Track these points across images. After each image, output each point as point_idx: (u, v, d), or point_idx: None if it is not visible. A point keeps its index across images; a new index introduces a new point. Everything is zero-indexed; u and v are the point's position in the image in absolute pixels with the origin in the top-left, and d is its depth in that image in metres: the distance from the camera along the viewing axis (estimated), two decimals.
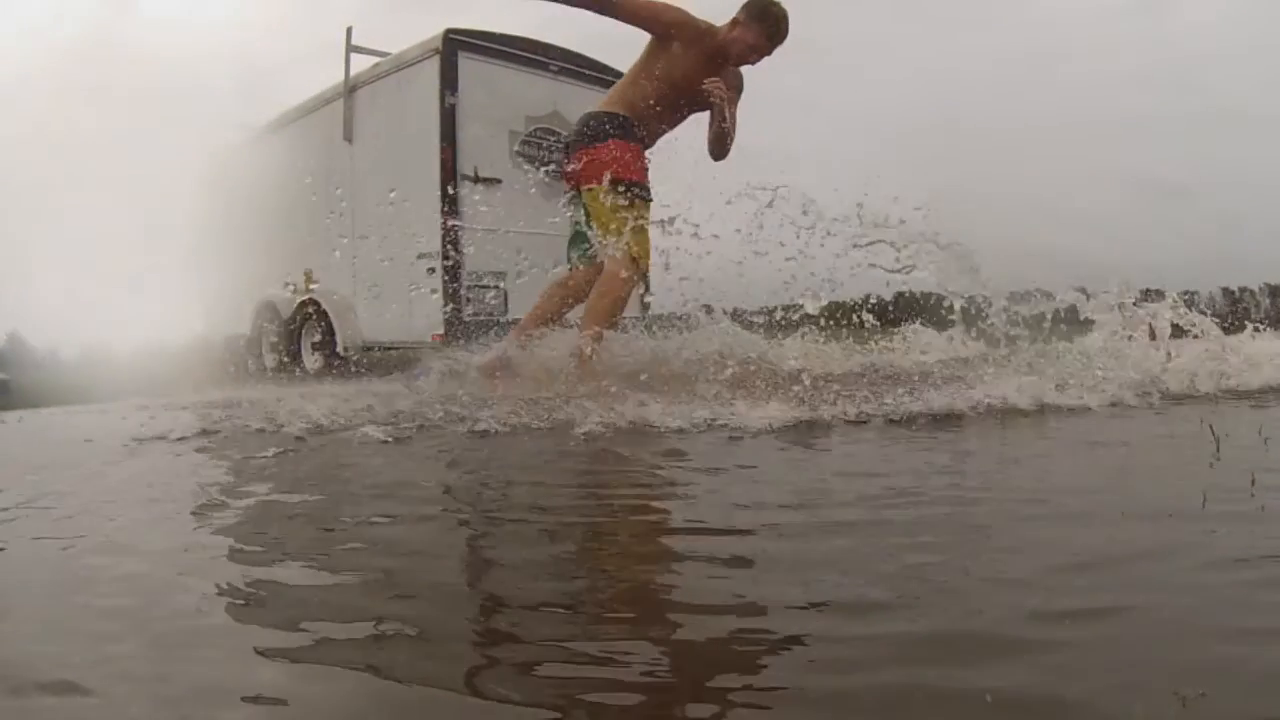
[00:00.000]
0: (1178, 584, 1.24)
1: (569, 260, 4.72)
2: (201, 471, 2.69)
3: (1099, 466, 2.34)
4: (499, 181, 7.42)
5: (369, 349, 7.90)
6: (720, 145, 4.52)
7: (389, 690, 0.98)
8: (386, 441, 2.95)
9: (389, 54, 8.10)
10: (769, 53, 4.43)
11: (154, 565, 1.57)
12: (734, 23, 4.37)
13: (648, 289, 6.51)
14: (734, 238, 4.24)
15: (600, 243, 4.34)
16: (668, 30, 4.36)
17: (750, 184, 4.24)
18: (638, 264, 4.39)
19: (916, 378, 3.70)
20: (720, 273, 4.33)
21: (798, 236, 4.21)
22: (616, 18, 4.38)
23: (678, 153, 4.74)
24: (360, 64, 8.23)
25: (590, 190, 4.41)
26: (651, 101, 4.42)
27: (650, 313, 6.66)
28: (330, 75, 8.52)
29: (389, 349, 7.80)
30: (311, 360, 8.33)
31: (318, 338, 8.15)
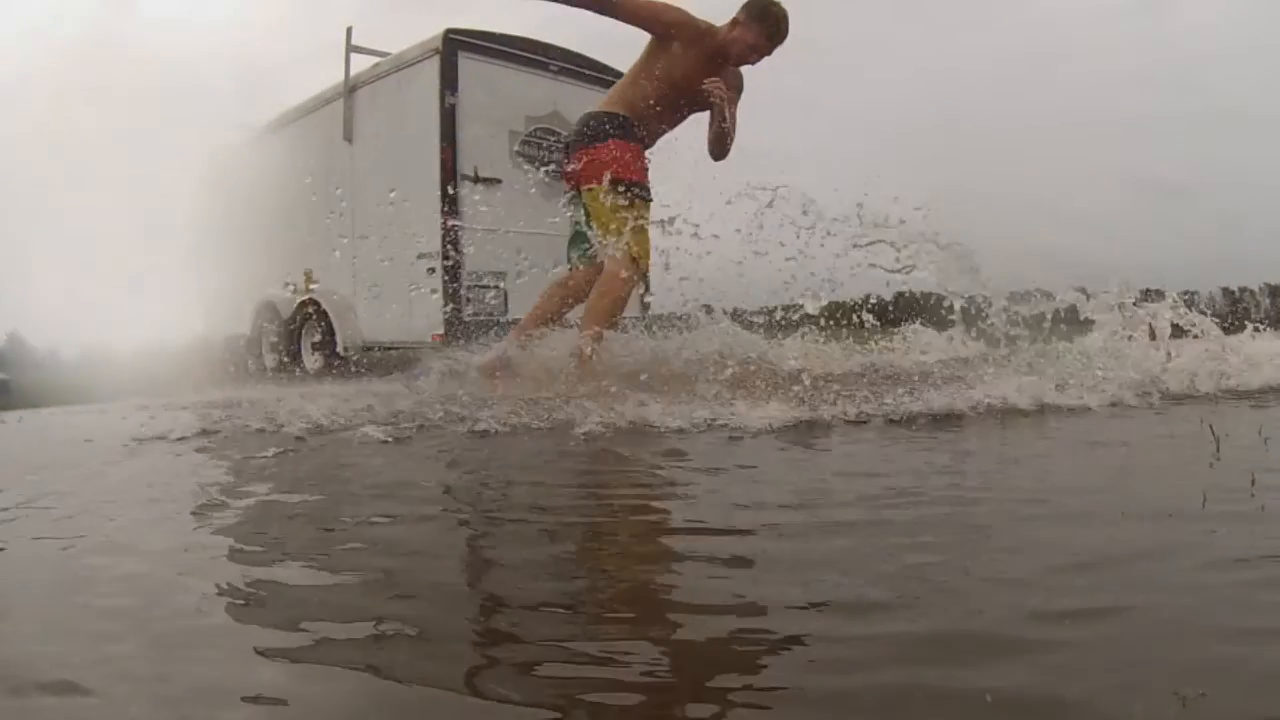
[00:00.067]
0: (1178, 584, 1.24)
1: (569, 260, 4.72)
2: (201, 471, 2.69)
3: (1099, 466, 2.34)
4: (499, 181, 7.42)
5: (369, 349, 7.90)
6: (720, 145, 4.52)
7: (389, 690, 0.98)
8: (386, 441, 2.95)
9: (389, 54, 8.10)
10: (769, 53, 4.43)
11: (154, 565, 1.57)
12: (734, 23, 4.36)
13: (648, 289, 6.51)
14: (734, 238, 4.23)
15: (600, 243, 4.33)
16: (668, 30, 4.36)
17: (750, 184, 4.24)
18: (638, 264, 4.39)
19: (916, 378, 3.70)
20: (720, 273, 4.33)
21: (798, 236, 4.21)
22: (616, 18, 4.38)
23: (678, 153, 4.74)
24: (360, 64, 8.23)
25: (590, 190, 4.41)
26: (651, 101, 4.42)
27: (650, 313, 6.66)
28: (330, 75, 8.53)
29: (389, 349, 7.80)
30: (311, 360, 8.33)
31: (318, 338, 8.15)
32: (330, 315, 8.04)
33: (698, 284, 4.42)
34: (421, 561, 1.55)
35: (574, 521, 1.88)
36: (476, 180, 7.32)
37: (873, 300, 4.57)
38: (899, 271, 4.23)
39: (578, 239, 4.60)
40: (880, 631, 1.09)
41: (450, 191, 7.13)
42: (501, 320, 6.97)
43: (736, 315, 4.45)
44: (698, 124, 4.62)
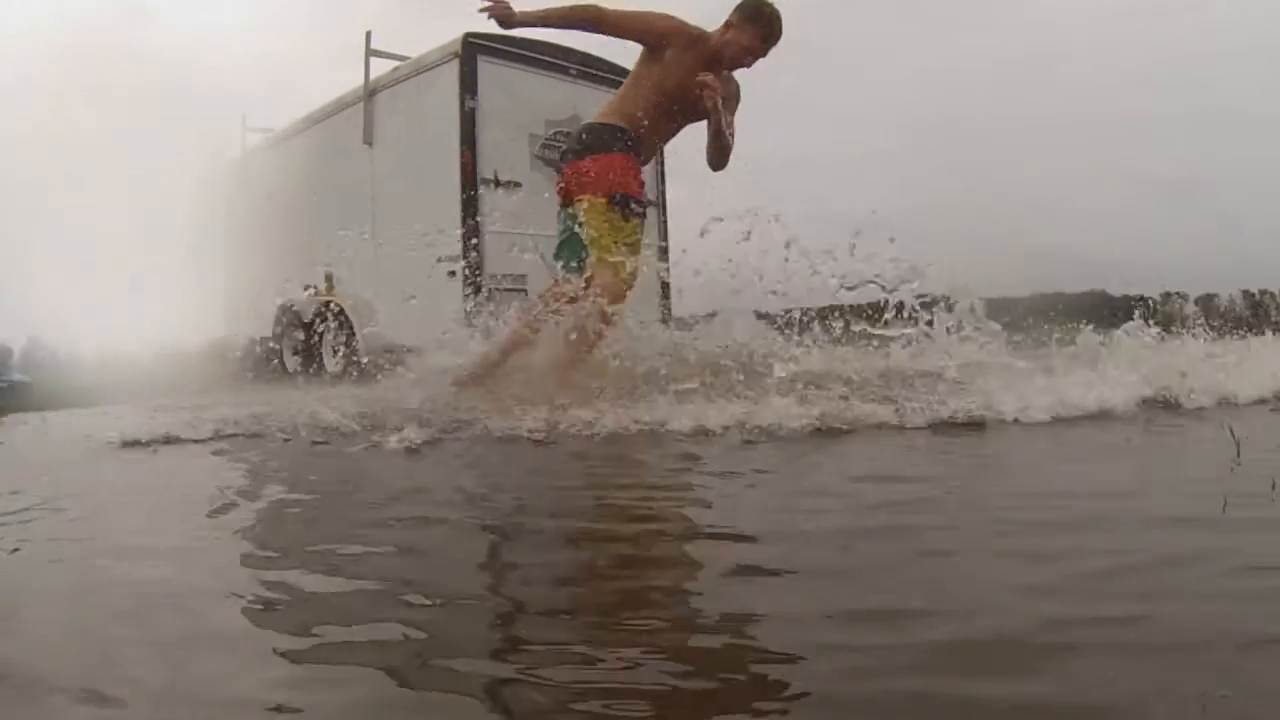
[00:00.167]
0: (1200, 591, 1.22)
1: (556, 259, 4.63)
2: (219, 474, 2.71)
3: (1119, 472, 2.32)
4: (519, 185, 7.43)
5: (389, 351, 7.92)
6: (720, 154, 4.47)
7: (408, 698, 0.97)
8: (409, 447, 2.95)
9: (408, 58, 8.13)
10: (764, 54, 4.38)
11: (170, 569, 1.57)
12: (727, 25, 4.32)
13: (667, 295, 6.50)
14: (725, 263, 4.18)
15: (590, 258, 4.29)
16: (660, 39, 4.32)
17: (731, 211, 4.21)
18: (626, 283, 4.29)
19: (935, 381, 3.67)
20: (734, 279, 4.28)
21: (784, 266, 4.16)
22: (607, 33, 4.40)
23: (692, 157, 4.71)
24: (380, 68, 8.27)
25: (584, 203, 4.35)
26: (647, 111, 4.37)
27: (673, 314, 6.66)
28: (349, 79, 8.58)
29: (410, 352, 7.82)
30: (332, 362, 8.36)
31: (338, 340, 8.18)
32: (350, 318, 8.06)
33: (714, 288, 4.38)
34: (437, 567, 1.55)
35: (591, 527, 1.88)
36: (497, 184, 7.34)
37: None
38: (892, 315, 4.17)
39: (566, 247, 4.50)
40: (901, 639, 1.08)
41: (470, 194, 7.15)
42: None
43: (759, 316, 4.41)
44: (700, 131, 4.58)
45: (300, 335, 8.80)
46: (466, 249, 7.01)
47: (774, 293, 4.19)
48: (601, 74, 7.94)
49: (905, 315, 4.04)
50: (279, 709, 0.95)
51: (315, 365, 8.56)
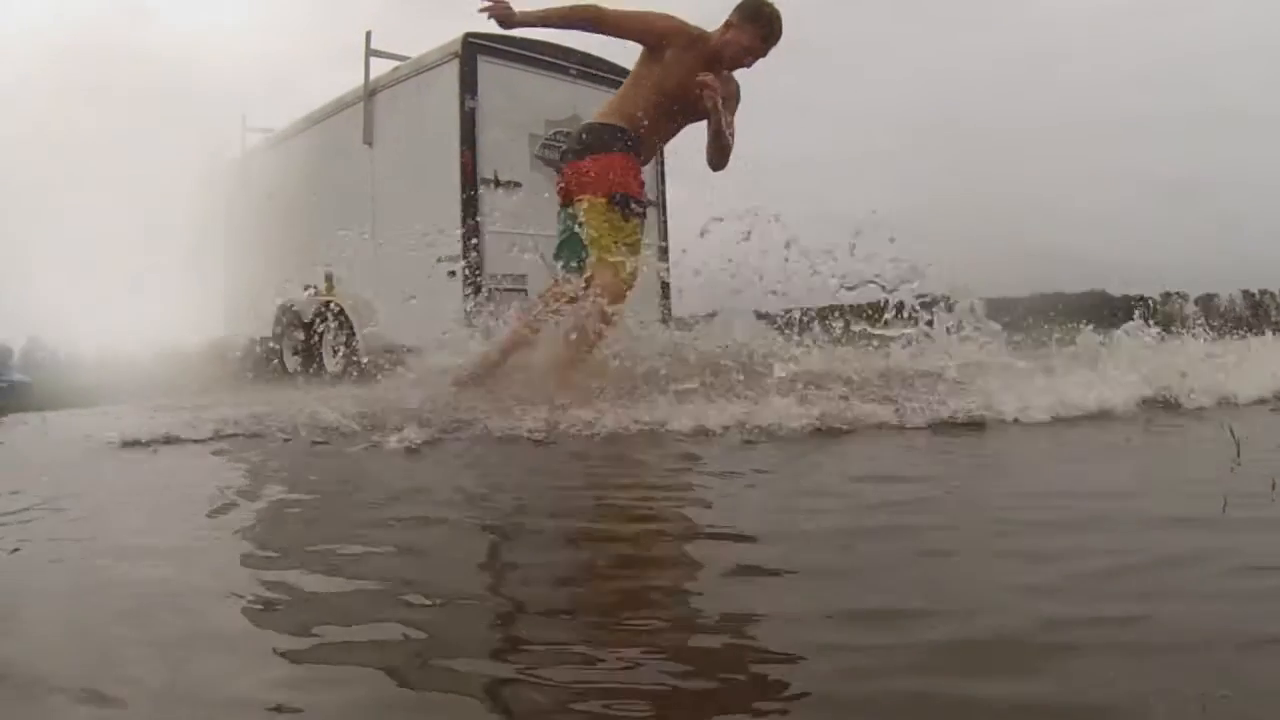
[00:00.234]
0: (1200, 591, 1.22)
1: (555, 259, 4.60)
2: (219, 474, 2.71)
3: (1119, 471, 2.32)
4: (519, 185, 7.43)
5: (389, 351, 7.92)
6: (720, 154, 4.45)
7: (408, 698, 0.97)
8: (409, 447, 2.95)
9: (408, 58, 8.13)
10: (764, 54, 4.37)
11: (170, 569, 1.57)
12: (727, 26, 4.31)
13: (667, 295, 6.49)
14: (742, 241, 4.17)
15: (590, 258, 4.28)
16: (659, 39, 4.32)
17: (732, 211, 4.21)
18: (626, 283, 4.29)
19: (935, 381, 3.67)
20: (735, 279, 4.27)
21: (784, 266, 4.16)
22: (607, 33, 4.41)
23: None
24: (379, 68, 8.26)
25: (584, 203, 4.35)
26: (647, 111, 4.36)
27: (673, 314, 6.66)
28: (349, 79, 8.58)
29: (410, 352, 7.81)
30: (332, 362, 8.35)
31: (338, 340, 8.18)
32: (350, 317, 8.06)
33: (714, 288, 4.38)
34: (437, 567, 1.55)
35: (591, 527, 1.88)
36: (497, 184, 7.34)
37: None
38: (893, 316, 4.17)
39: (566, 247, 4.49)
40: (901, 639, 1.08)
41: (470, 194, 7.16)
42: None
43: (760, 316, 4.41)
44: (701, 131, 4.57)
45: (300, 335, 8.80)
46: (466, 249, 7.01)
47: (774, 293, 4.19)
48: (601, 74, 7.94)
49: (905, 315, 4.04)
50: (279, 709, 0.95)
51: (315, 365, 8.56)
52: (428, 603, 1.30)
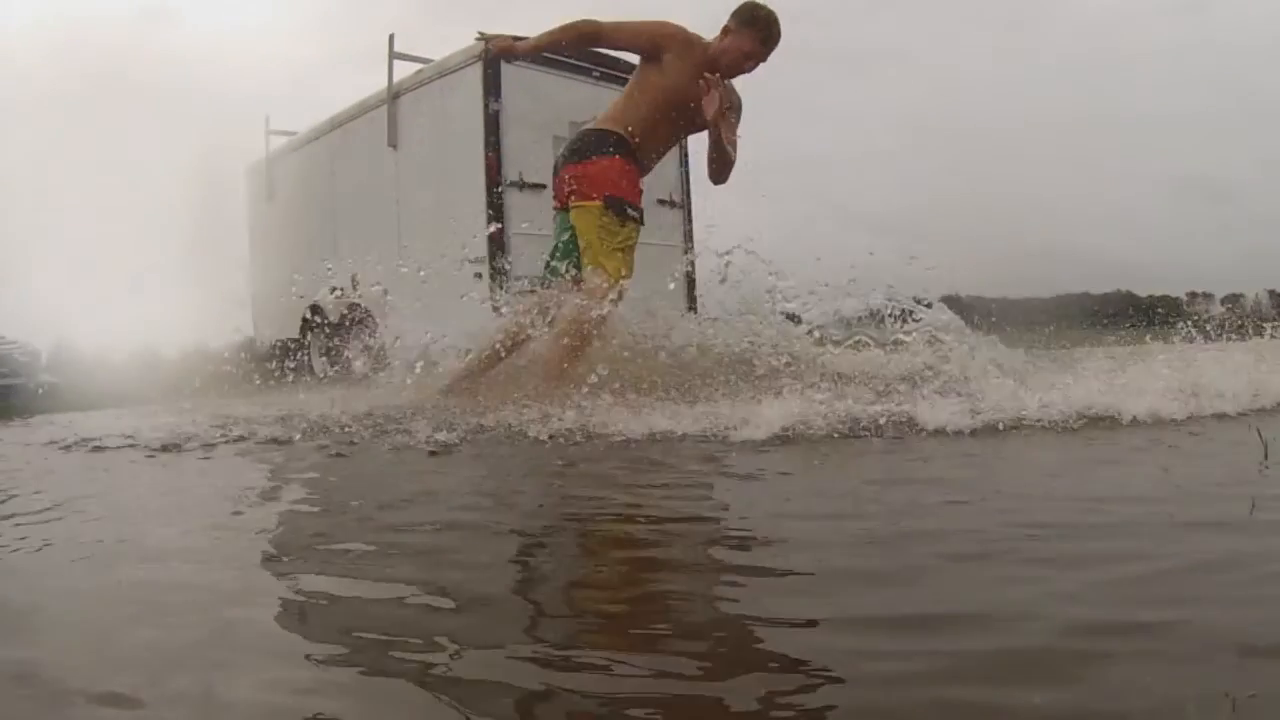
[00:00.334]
0: (1236, 596, 1.20)
1: (546, 268, 4.62)
2: (243, 476, 2.72)
3: (1148, 475, 2.29)
4: (543, 186, 7.42)
5: (415, 353, 7.92)
6: (721, 166, 4.46)
7: (443, 708, 0.96)
8: (434, 451, 2.95)
9: (432, 61, 8.14)
10: (764, 58, 4.35)
11: (194, 571, 1.57)
12: (725, 32, 4.30)
13: (694, 308, 6.49)
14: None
15: (585, 264, 4.28)
16: (656, 44, 4.31)
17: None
18: (619, 290, 4.26)
19: (960, 384, 3.65)
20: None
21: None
22: (606, 46, 4.50)
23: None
24: (403, 70, 8.28)
25: (580, 208, 4.34)
26: (646, 118, 4.35)
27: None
28: (372, 82, 8.60)
29: (435, 354, 7.82)
30: (358, 364, 8.37)
31: (364, 341, 8.19)
32: (376, 319, 8.07)
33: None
34: (463, 573, 1.53)
35: (609, 532, 1.88)
36: (522, 186, 7.34)
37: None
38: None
39: (561, 251, 4.49)
40: (930, 645, 1.07)
41: (496, 195, 7.17)
42: None
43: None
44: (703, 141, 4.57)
45: (326, 337, 8.83)
46: (492, 251, 7.02)
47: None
48: (624, 75, 7.88)
49: (917, 319, 4.04)
50: (305, 714, 0.94)
51: (341, 367, 8.59)
52: (462, 611, 1.29)
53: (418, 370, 4.65)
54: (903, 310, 4.20)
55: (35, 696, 1.01)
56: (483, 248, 7.03)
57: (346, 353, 8.55)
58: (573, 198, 4.37)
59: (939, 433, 2.89)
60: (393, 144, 8.28)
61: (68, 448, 3.49)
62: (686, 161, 8.08)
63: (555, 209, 4.62)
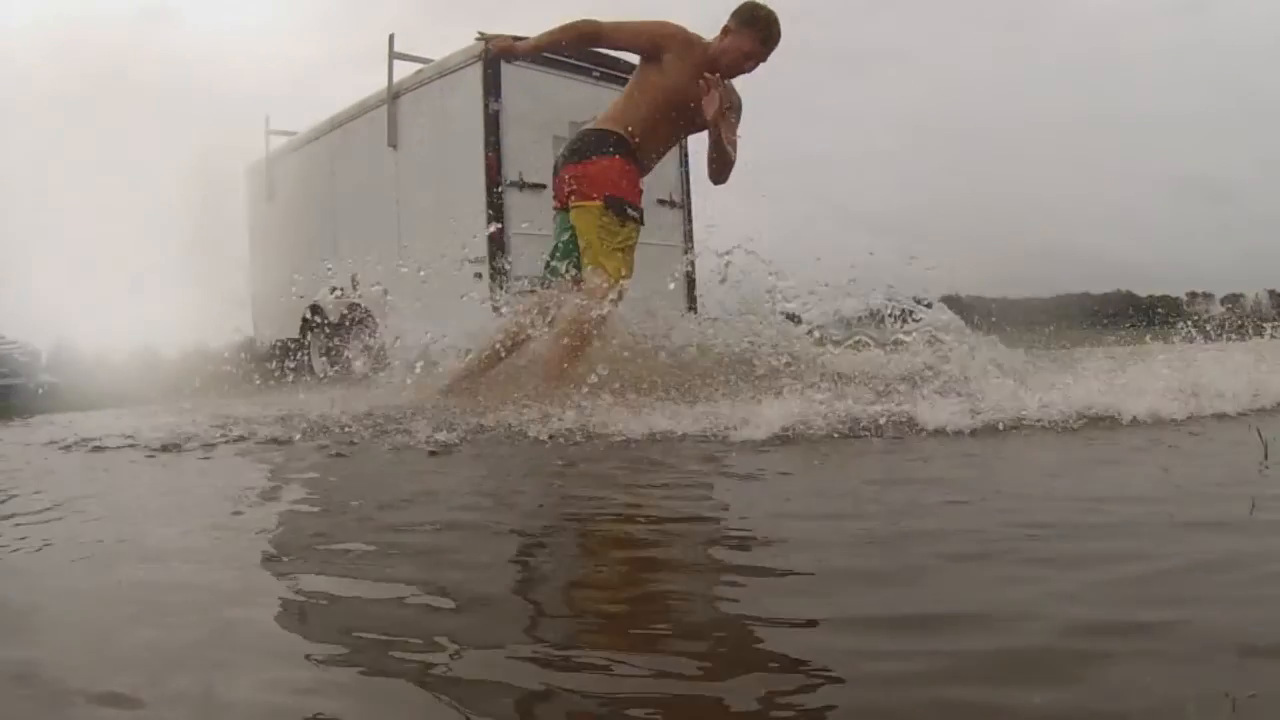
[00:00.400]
0: (1236, 596, 1.20)
1: (546, 268, 4.62)
2: (243, 476, 2.72)
3: (1148, 475, 2.29)
4: (544, 186, 7.41)
5: (415, 353, 7.91)
6: (721, 167, 4.46)
7: (443, 708, 0.96)
8: (433, 450, 2.95)
9: (432, 61, 8.14)
10: (764, 58, 4.34)
11: (194, 571, 1.57)
12: (724, 32, 4.29)
13: (694, 308, 6.49)
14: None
15: (585, 264, 4.28)
16: (655, 43, 4.30)
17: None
18: (619, 290, 4.25)
19: (960, 384, 3.65)
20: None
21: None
22: (606, 45, 4.50)
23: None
24: (402, 70, 8.28)
25: (580, 208, 4.33)
26: (646, 118, 4.35)
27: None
28: (372, 82, 8.60)
29: (435, 354, 7.81)
30: (358, 364, 8.36)
31: (364, 341, 8.18)
32: (376, 319, 8.07)
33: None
34: (463, 573, 1.53)
35: (608, 532, 1.88)
36: (522, 186, 7.34)
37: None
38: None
39: (560, 251, 4.48)
40: (930, 645, 1.07)
41: (496, 195, 7.16)
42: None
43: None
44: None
45: (326, 337, 8.83)
46: (492, 251, 7.02)
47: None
48: (624, 75, 7.88)
49: (917, 319, 4.04)
50: (305, 714, 0.94)
51: (341, 367, 8.58)
52: (453, 606, 1.29)
53: (418, 370, 4.60)
54: (903, 310, 4.21)
55: (35, 696, 1.01)
56: (483, 248, 7.02)
57: (346, 353, 8.56)
58: (573, 198, 4.36)
59: (939, 433, 2.89)
60: (393, 144, 8.28)
61: (68, 448, 3.48)
62: (686, 161, 8.07)
63: (555, 209, 4.61)
